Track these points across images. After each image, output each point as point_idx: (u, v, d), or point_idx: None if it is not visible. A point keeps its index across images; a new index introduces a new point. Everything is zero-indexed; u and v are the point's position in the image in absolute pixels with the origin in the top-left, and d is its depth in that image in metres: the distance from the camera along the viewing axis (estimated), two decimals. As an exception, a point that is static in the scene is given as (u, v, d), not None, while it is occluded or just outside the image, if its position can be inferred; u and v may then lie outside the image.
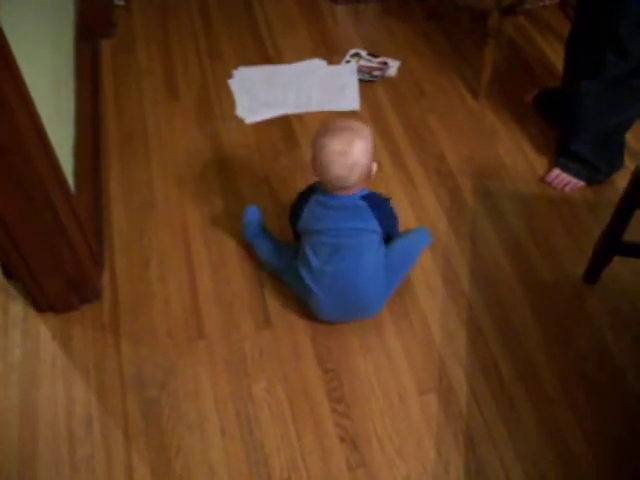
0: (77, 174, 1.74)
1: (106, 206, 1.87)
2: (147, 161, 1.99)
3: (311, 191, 1.55)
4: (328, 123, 1.48)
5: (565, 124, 1.96)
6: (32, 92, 1.40)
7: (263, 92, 2.16)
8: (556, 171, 1.93)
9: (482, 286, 1.70)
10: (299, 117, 2.10)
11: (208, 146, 2.03)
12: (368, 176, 1.51)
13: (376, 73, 2.22)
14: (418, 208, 1.86)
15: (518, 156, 2.01)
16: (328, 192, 1.50)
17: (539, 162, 2.00)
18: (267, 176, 1.94)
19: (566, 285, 1.71)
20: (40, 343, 1.61)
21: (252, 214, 1.72)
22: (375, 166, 1.52)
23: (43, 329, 1.63)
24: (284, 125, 2.09)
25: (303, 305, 1.63)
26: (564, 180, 1.92)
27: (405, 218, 1.82)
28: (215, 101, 2.17)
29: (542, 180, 1.94)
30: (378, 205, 1.53)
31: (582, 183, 1.92)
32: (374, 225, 1.51)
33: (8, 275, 1.71)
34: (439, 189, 1.91)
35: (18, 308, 1.67)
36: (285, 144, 2.03)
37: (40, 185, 1.40)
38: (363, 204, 1.50)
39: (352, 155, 1.42)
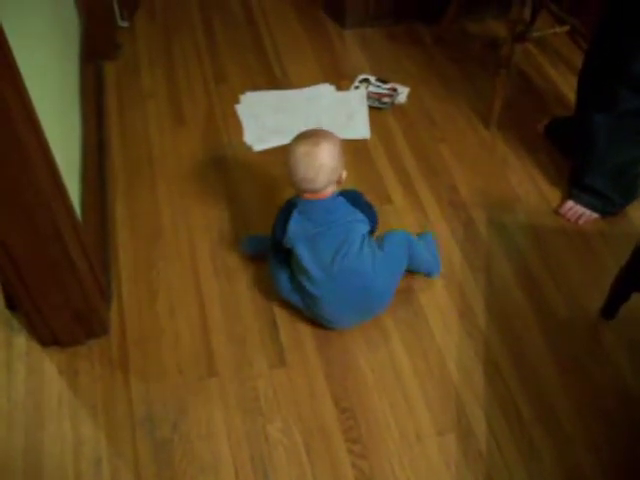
0: (84, 202, 1.73)
1: (112, 235, 1.86)
2: (153, 189, 1.98)
3: (291, 206, 1.59)
4: (299, 133, 1.58)
5: (578, 155, 1.98)
6: (40, 118, 1.39)
7: (271, 118, 2.16)
8: (570, 203, 1.95)
9: (498, 322, 1.70)
10: (308, 145, 2.09)
11: (216, 173, 2.03)
12: (338, 182, 1.57)
13: (385, 100, 2.23)
14: (432, 240, 1.86)
15: (531, 187, 2.02)
16: (307, 198, 1.55)
17: (552, 193, 2.01)
18: (277, 204, 1.92)
19: (583, 320, 1.72)
20: (45, 379, 1.59)
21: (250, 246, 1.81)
22: (345, 173, 1.57)
23: (48, 364, 1.61)
24: (293, 152, 2.09)
25: (314, 324, 1.67)
26: (578, 212, 1.94)
27: (419, 251, 1.82)
28: (222, 127, 2.17)
29: (556, 212, 1.95)
30: (355, 198, 1.60)
31: (596, 215, 1.94)
32: (360, 215, 1.58)
33: (11, 307, 1.69)
34: (453, 221, 1.91)
35: (22, 342, 1.65)
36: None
37: (49, 216, 1.38)
38: (342, 199, 1.57)
39: (318, 156, 1.50)
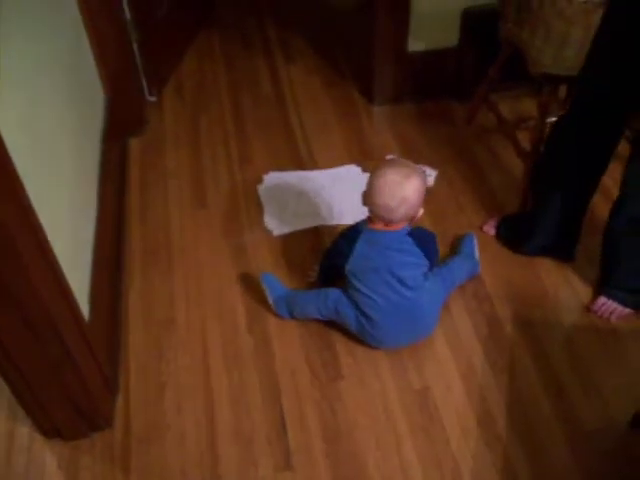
0: (93, 295, 1.74)
1: (124, 322, 1.89)
2: (170, 275, 2.01)
3: (356, 232, 1.69)
4: (389, 159, 1.71)
5: (604, 254, 1.95)
6: (46, 210, 1.40)
7: (293, 201, 2.19)
8: (602, 299, 1.91)
9: (519, 430, 1.65)
10: (330, 229, 2.11)
11: (234, 260, 2.05)
12: (413, 218, 1.67)
13: (412, 183, 2.24)
14: (452, 335, 1.84)
15: (559, 279, 1.99)
16: (375, 229, 1.66)
17: (582, 287, 1.97)
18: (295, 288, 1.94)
19: (612, 431, 1.66)
20: (45, 473, 1.61)
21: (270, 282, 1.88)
22: (421, 211, 1.68)
23: (49, 457, 1.63)
24: (314, 237, 2.11)
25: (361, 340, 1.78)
26: (610, 308, 1.90)
27: (437, 347, 1.81)
28: (243, 209, 2.20)
29: (587, 309, 1.91)
30: (424, 240, 1.70)
31: (628, 310, 1.90)
32: (421, 258, 1.69)
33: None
34: (476, 315, 1.89)
35: (25, 432, 1.68)
36: (314, 257, 2.03)
37: (46, 317, 1.39)
38: (409, 239, 1.67)
39: (405, 188, 1.59)
